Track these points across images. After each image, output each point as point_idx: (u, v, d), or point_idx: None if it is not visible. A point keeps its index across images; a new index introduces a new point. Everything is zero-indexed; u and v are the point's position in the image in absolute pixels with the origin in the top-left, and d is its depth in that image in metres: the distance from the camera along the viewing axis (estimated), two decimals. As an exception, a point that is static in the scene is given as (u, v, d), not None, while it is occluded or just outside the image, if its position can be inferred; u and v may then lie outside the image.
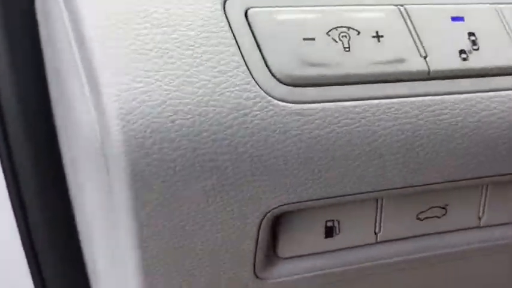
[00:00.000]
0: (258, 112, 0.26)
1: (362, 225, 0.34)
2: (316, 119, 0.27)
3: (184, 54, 0.26)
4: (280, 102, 0.26)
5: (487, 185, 0.35)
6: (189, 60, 0.26)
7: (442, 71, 0.29)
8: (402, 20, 0.29)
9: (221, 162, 0.26)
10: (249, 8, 0.28)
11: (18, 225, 0.33)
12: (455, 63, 0.29)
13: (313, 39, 0.27)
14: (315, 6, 0.28)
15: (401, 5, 0.30)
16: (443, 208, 0.35)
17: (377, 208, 0.34)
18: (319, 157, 0.27)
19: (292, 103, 0.27)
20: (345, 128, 0.27)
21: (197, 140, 0.25)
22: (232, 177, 0.27)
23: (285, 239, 0.32)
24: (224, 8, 0.27)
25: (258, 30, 0.27)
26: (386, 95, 0.28)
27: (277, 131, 0.26)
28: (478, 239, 0.36)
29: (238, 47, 0.27)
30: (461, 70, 0.29)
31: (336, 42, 0.28)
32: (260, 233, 0.30)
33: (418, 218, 0.35)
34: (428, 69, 0.29)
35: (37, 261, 0.30)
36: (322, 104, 0.27)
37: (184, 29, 0.26)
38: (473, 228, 0.36)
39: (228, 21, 0.27)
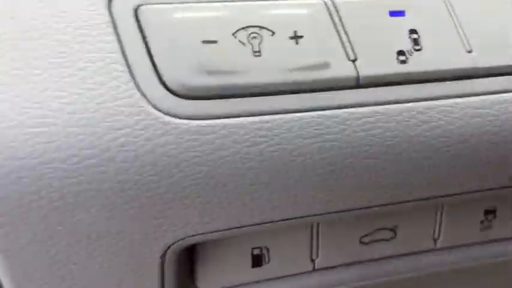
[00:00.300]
0: (142, 131, 0.21)
1: (295, 252, 0.29)
2: (217, 138, 0.22)
3: (53, 63, 0.21)
4: (172, 119, 0.22)
5: (442, 205, 0.31)
6: (58, 70, 0.21)
7: (375, 77, 0.24)
8: (328, 16, 0.24)
9: (99, 192, 0.22)
10: (139, 6, 0.23)
11: None
12: (391, 67, 0.25)
13: (215, 41, 0.23)
14: (221, 2, 0.24)
15: None
16: (391, 230, 0.31)
17: (312, 233, 0.29)
18: (224, 182, 0.23)
19: (188, 119, 0.22)
20: (254, 147, 0.23)
21: (64, 167, 0.21)
22: (117, 208, 0.22)
23: (204, 271, 0.28)
24: (110, 6, 0.23)
25: (148, 31, 0.23)
26: (306, 107, 0.23)
27: (168, 154, 0.22)
28: (434, 262, 0.32)
29: (123, 52, 0.22)
30: (398, 75, 0.25)
31: (244, 45, 0.23)
32: (165, 268, 0.25)
33: (362, 242, 0.31)
34: (358, 75, 0.24)
35: None
36: (225, 120, 0.22)
37: (56, 33, 0.22)
38: (429, 251, 0.32)
39: (113, 22, 0.22)
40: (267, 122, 0.23)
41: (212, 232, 0.25)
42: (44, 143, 0.20)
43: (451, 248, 0.32)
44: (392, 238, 0.31)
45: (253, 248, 0.29)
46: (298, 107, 0.23)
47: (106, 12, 0.22)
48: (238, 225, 0.25)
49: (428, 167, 0.25)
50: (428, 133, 0.25)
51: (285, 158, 0.23)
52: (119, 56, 0.22)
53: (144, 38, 0.23)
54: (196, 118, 0.22)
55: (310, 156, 0.24)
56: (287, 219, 0.26)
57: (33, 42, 0.21)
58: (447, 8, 0.26)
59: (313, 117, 0.23)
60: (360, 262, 0.31)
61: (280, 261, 0.29)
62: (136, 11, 0.23)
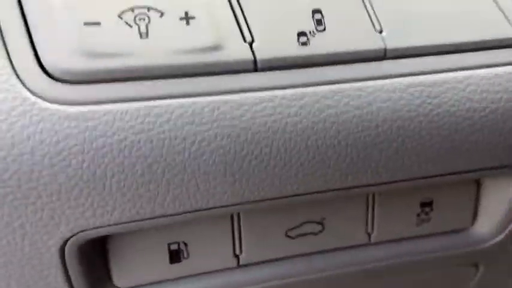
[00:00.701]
0: (17, 118, 0.20)
1: (217, 247, 0.28)
2: (100, 125, 0.21)
3: None
4: (50, 105, 0.21)
5: (373, 195, 0.30)
6: None
7: (273, 60, 0.23)
8: None
9: (-26, 182, 0.21)
10: None
11: None
12: (290, 49, 0.23)
13: (98, 23, 0.22)
14: (110, -18, 0.23)
15: None
16: (319, 223, 0.29)
17: (232, 226, 0.28)
18: (113, 172, 0.22)
19: (68, 105, 0.21)
20: (141, 134, 0.22)
21: None
22: (2, 198, 0.21)
23: (120, 267, 0.27)
24: None
25: (29, 13, 0.22)
26: (197, 91, 0.22)
27: (46, 142, 0.21)
28: (367, 258, 0.30)
29: (1, 34, 0.21)
30: (298, 58, 0.23)
31: (131, 26, 0.22)
32: (68, 262, 0.24)
33: (289, 236, 0.29)
34: (254, 57, 0.23)
35: None
36: (109, 105, 0.21)
37: None
38: (361, 246, 0.31)
39: None
40: (156, 107, 0.22)
41: (111, 225, 0.24)
42: None
43: (386, 242, 0.31)
44: (320, 232, 0.30)
45: (169, 244, 0.28)
46: (189, 91, 0.22)
47: None
48: (139, 218, 0.24)
49: (337, 153, 0.24)
50: (333, 118, 0.23)
51: (177, 145, 0.22)
52: None
53: (24, 20, 0.22)
54: (77, 104, 0.21)
55: (207, 144, 0.23)
56: (196, 211, 0.25)
57: None
58: None
59: (207, 102, 0.22)
60: (287, 257, 0.30)
61: (202, 256, 0.28)
62: None
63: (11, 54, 0.21)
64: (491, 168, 0.28)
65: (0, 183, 0.21)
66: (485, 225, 0.32)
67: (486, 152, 0.27)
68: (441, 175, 0.27)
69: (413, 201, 0.30)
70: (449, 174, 0.28)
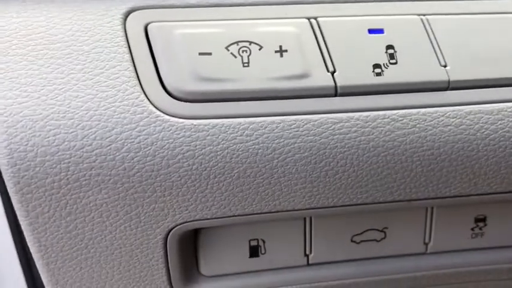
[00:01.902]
0: (144, 127, 0.26)
1: (290, 246, 0.32)
2: (208, 136, 0.26)
3: (75, 69, 0.26)
4: (170, 118, 0.26)
5: (432, 208, 0.33)
6: (78, 75, 0.26)
7: (351, 87, 0.27)
8: (312, 33, 0.28)
9: (108, 177, 0.26)
10: (149, 23, 0.28)
11: None
12: (366, 78, 0.28)
13: (209, 53, 0.27)
14: (219, 20, 0.28)
15: (314, 18, 0.28)
16: (381, 231, 0.33)
17: (305, 228, 0.32)
18: (215, 174, 0.27)
19: (184, 118, 0.26)
20: (240, 144, 0.26)
21: (80, 154, 0.25)
22: (123, 192, 0.26)
23: (206, 257, 0.32)
24: (125, 23, 0.28)
25: (155, 44, 0.27)
26: (286, 111, 0.27)
27: (165, 147, 0.26)
28: (424, 265, 0.34)
29: (133, 61, 0.27)
30: (372, 85, 0.28)
31: (235, 57, 0.27)
32: (168, 249, 0.29)
33: (354, 241, 0.33)
34: (335, 84, 0.27)
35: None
36: (215, 120, 0.26)
37: (80, 44, 0.27)
38: (418, 254, 0.34)
39: (126, 36, 0.27)
40: (252, 123, 0.26)
41: (208, 219, 0.28)
42: (64, 133, 0.25)
43: (442, 253, 0.34)
44: (382, 239, 0.33)
45: (250, 240, 0.32)
46: (280, 111, 0.27)
47: (121, 28, 0.27)
48: (231, 214, 0.28)
49: (403, 169, 0.28)
50: (401, 138, 0.27)
51: (268, 155, 0.27)
52: (129, 64, 0.26)
53: (151, 49, 0.27)
54: (191, 118, 0.26)
55: (292, 155, 0.27)
56: (277, 212, 0.29)
57: (60, 52, 0.26)
58: (424, 26, 0.29)
59: (294, 120, 0.27)
60: (351, 260, 0.34)
61: (277, 253, 0.32)
62: (146, 28, 0.27)
63: (140, 78, 0.26)
64: None
65: (126, 178, 0.26)
66: (537, 243, 0.34)
67: None
68: (494, 193, 0.31)
69: (468, 216, 0.33)
70: (504, 193, 0.31)
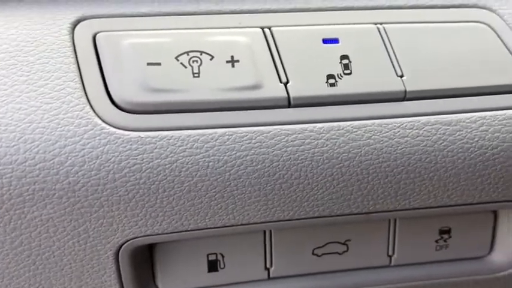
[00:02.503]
0: (89, 140, 0.25)
1: (250, 260, 0.32)
2: (156, 148, 0.25)
3: (19, 80, 0.25)
4: (116, 130, 0.25)
5: (395, 220, 0.32)
6: (22, 86, 0.25)
7: (304, 98, 0.27)
8: (265, 43, 0.27)
9: (52, 191, 0.25)
10: (98, 33, 0.27)
11: None
12: (320, 89, 0.27)
13: (158, 64, 0.26)
14: (170, 29, 0.27)
15: (268, 27, 0.28)
16: (343, 244, 0.32)
17: (265, 241, 0.31)
18: (165, 188, 0.26)
19: (131, 131, 0.25)
20: (190, 157, 0.26)
21: (22, 168, 0.24)
22: (69, 207, 0.26)
23: (164, 272, 0.31)
24: (73, 32, 0.27)
25: (103, 54, 0.26)
26: (238, 123, 0.26)
27: (111, 160, 0.25)
28: (388, 278, 0.33)
29: (80, 72, 0.26)
30: (326, 96, 0.27)
31: (185, 67, 0.26)
32: (121, 265, 0.28)
33: (315, 254, 0.32)
34: (288, 95, 0.27)
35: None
36: (163, 132, 0.25)
37: (24, 55, 0.26)
38: (382, 267, 0.33)
39: (74, 46, 0.26)
40: (203, 135, 0.26)
41: (159, 234, 0.28)
42: (5, 147, 0.24)
43: (406, 265, 0.34)
44: (344, 252, 0.32)
45: (208, 254, 0.31)
46: (232, 123, 0.26)
47: (68, 37, 0.26)
48: (184, 229, 0.28)
49: (359, 181, 0.27)
50: (356, 150, 0.27)
51: (219, 168, 0.26)
52: (75, 75, 0.26)
53: (98, 60, 0.26)
54: (138, 130, 0.25)
55: (244, 168, 0.26)
56: (232, 226, 0.28)
57: (3, 62, 0.25)
58: (380, 35, 0.28)
59: (246, 132, 0.26)
60: (313, 274, 0.33)
61: (236, 267, 0.32)
62: (94, 38, 0.27)
63: (86, 89, 0.26)
64: (506, 201, 0.31)
65: (71, 192, 0.25)
66: (502, 254, 0.34)
67: (500, 186, 0.30)
68: (457, 205, 0.30)
69: (432, 228, 0.33)
70: (465, 204, 0.30)
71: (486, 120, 0.28)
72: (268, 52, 0.27)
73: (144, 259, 0.30)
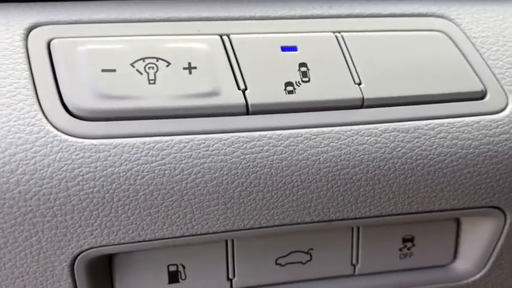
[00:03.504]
0: (40, 148, 0.24)
1: (212, 270, 0.31)
2: (110, 156, 0.25)
3: (-32, 86, 0.25)
4: (69, 137, 0.25)
5: (358, 228, 0.32)
6: (-29, 93, 0.25)
7: (262, 105, 0.27)
8: (223, 50, 0.27)
9: (2, 200, 0.24)
10: (52, 39, 0.26)
11: None
12: (278, 96, 0.27)
13: (113, 70, 0.26)
14: (126, 36, 0.27)
15: (227, 35, 0.28)
16: (307, 253, 0.32)
17: (227, 251, 0.31)
18: (120, 197, 0.25)
19: (84, 138, 0.25)
20: (145, 165, 0.25)
21: (-31, 177, 0.24)
22: (20, 217, 0.25)
23: (123, 284, 0.30)
24: (27, 39, 0.26)
25: (57, 61, 0.26)
26: (195, 130, 0.26)
27: (63, 168, 0.24)
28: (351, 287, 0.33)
29: (33, 78, 0.25)
30: (284, 104, 0.27)
31: (141, 74, 0.26)
32: (77, 277, 0.28)
33: (279, 264, 0.32)
34: (246, 103, 0.26)
35: None
36: (118, 140, 0.25)
37: (-25, 61, 0.25)
38: (346, 276, 0.33)
39: (27, 52, 0.26)
40: (158, 142, 0.25)
41: (116, 245, 0.27)
42: (-49, 155, 0.24)
43: (370, 274, 0.33)
44: (308, 261, 0.32)
45: (169, 265, 0.31)
46: (189, 130, 0.26)
47: (22, 44, 0.26)
48: (141, 240, 0.27)
49: (319, 189, 0.27)
50: (314, 157, 0.27)
51: (176, 176, 0.26)
52: (27, 81, 0.25)
53: (52, 66, 0.26)
54: (91, 137, 0.25)
55: (202, 176, 0.26)
56: (191, 236, 0.28)
57: None
58: (338, 43, 0.28)
59: (204, 139, 0.26)
60: (277, 284, 0.32)
61: (198, 279, 0.31)
62: (49, 44, 0.26)
63: (39, 96, 0.25)
64: (467, 208, 0.31)
65: (22, 202, 0.25)
66: (466, 262, 0.34)
67: (460, 193, 0.30)
68: (418, 213, 0.30)
69: (396, 236, 0.33)
70: (427, 212, 0.30)
71: (444, 128, 0.28)
72: (227, 59, 0.27)
73: (102, 271, 0.30)
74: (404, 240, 0.33)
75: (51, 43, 0.26)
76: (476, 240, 0.33)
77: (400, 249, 0.33)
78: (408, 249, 0.33)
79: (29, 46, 0.26)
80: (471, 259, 0.34)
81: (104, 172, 0.25)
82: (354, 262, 0.33)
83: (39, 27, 0.27)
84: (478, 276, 0.34)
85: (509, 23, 0.32)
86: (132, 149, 0.25)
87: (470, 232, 0.33)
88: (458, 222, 0.33)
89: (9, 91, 0.25)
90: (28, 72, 0.25)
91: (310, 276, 0.33)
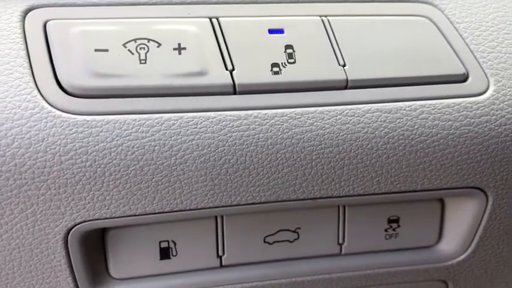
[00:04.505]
0: (35, 123, 0.25)
1: (202, 247, 0.32)
2: (102, 132, 0.26)
3: (-33, 64, 0.26)
4: (62, 113, 0.26)
5: (344, 208, 0.33)
6: (-30, 70, 0.26)
7: (249, 85, 0.28)
8: (212, 32, 0.28)
9: (-2, 172, 0.25)
10: (48, 21, 0.28)
11: None
12: (264, 77, 0.28)
13: (106, 50, 0.27)
14: (119, 18, 0.28)
15: (216, 17, 0.29)
16: (294, 232, 0.33)
17: (217, 228, 0.32)
18: (111, 172, 0.27)
19: (77, 114, 0.26)
20: (135, 141, 0.26)
21: (-33, 149, 0.25)
22: (16, 189, 0.26)
23: (116, 259, 0.31)
24: (24, 20, 0.28)
25: (52, 41, 0.27)
26: (184, 108, 0.27)
27: (57, 143, 0.26)
28: (339, 267, 0.34)
29: (29, 58, 0.27)
30: (270, 84, 0.28)
31: (132, 54, 0.27)
32: (70, 249, 0.29)
33: (267, 242, 0.33)
34: (234, 83, 0.28)
35: None
36: (109, 116, 0.26)
37: (-27, 40, 0.26)
38: (333, 255, 0.34)
39: (24, 33, 0.27)
40: (148, 119, 0.26)
41: (108, 218, 0.28)
42: (-50, 129, 0.25)
43: (357, 254, 0.34)
44: (295, 240, 0.33)
45: (160, 241, 0.32)
46: (178, 108, 0.27)
47: (19, 25, 0.27)
48: (132, 214, 0.28)
49: (303, 166, 0.28)
50: (298, 136, 0.28)
51: (164, 152, 0.27)
52: (23, 60, 0.26)
53: (48, 46, 0.27)
54: (84, 114, 0.26)
55: (190, 152, 0.27)
56: (181, 211, 0.29)
57: None
58: (324, 26, 0.29)
59: (192, 117, 0.27)
60: (265, 262, 0.33)
61: (188, 255, 0.32)
62: (45, 25, 0.27)
63: (35, 74, 0.26)
64: (451, 188, 0.32)
65: (17, 175, 0.26)
66: (451, 242, 0.35)
67: (442, 173, 0.31)
68: (401, 192, 0.31)
69: (381, 217, 0.34)
70: (410, 191, 0.31)
71: (426, 109, 0.29)
72: (215, 41, 0.28)
73: (96, 246, 0.31)
74: (390, 221, 0.34)
75: (47, 24, 0.27)
76: (461, 221, 0.34)
77: (386, 230, 0.34)
78: (394, 229, 0.34)
79: (25, 27, 0.27)
80: (455, 240, 0.35)
81: (96, 147, 0.26)
82: (341, 241, 0.34)
83: (35, 10, 0.28)
84: (462, 257, 0.35)
85: (492, 9, 0.33)
86: (123, 125, 0.26)
87: (455, 213, 0.34)
88: (442, 203, 0.34)
89: (6, 69, 0.26)
90: (25, 52, 0.27)
91: (298, 254, 0.34)
